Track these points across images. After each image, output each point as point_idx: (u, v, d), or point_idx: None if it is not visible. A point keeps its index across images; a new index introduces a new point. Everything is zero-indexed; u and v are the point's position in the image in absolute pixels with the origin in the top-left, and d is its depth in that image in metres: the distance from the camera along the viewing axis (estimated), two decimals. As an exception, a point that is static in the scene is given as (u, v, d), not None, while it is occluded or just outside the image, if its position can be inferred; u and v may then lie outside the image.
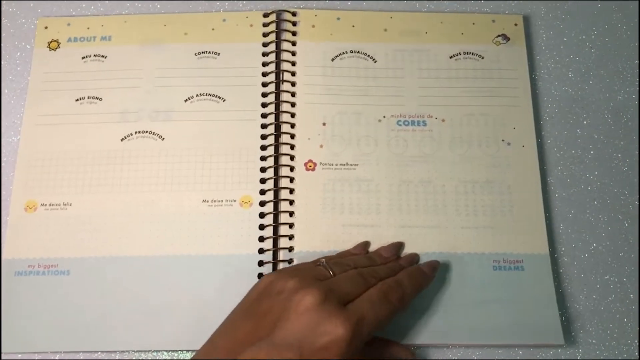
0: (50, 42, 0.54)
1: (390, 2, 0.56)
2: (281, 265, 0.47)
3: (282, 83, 0.52)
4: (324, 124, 0.51)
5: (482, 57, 0.54)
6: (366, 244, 0.48)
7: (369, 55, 0.53)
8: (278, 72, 0.53)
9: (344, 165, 0.50)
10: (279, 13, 0.54)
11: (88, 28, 0.54)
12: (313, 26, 0.54)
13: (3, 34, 0.55)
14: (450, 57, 0.54)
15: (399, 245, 0.48)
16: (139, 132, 0.51)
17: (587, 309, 0.47)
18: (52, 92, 0.52)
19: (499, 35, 0.54)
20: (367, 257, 0.46)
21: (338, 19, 0.55)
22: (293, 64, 0.53)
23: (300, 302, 0.36)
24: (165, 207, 0.49)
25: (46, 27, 0.55)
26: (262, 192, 0.49)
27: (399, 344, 0.44)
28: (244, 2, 0.56)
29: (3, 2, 0.56)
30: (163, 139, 0.51)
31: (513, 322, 0.46)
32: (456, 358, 0.46)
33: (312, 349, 0.35)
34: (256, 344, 0.35)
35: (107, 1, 0.56)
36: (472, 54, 0.54)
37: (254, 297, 0.39)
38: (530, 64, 0.54)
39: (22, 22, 0.55)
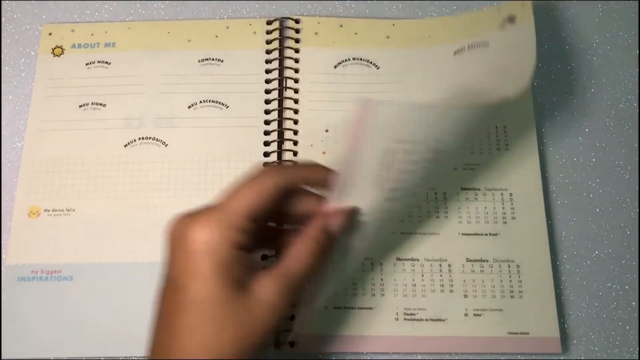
0: (54, 48, 0.54)
1: (393, 9, 0.56)
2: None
3: (286, 90, 0.52)
4: (326, 131, 0.51)
5: (488, 45, 0.51)
6: None
7: (371, 62, 0.54)
8: (281, 79, 0.53)
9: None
10: (282, 20, 0.55)
11: (92, 34, 0.55)
12: (316, 33, 0.55)
13: (7, 40, 0.55)
14: (455, 54, 0.53)
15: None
16: (143, 138, 0.51)
17: (589, 316, 0.48)
18: (55, 98, 0.53)
19: (503, 20, 0.50)
20: None
21: (341, 26, 0.55)
22: (296, 71, 0.53)
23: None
24: (169, 213, 0.48)
25: (50, 34, 0.55)
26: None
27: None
28: (247, 9, 0.56)
29: (8, 9, 0.56)
30: (166, 145, 0.51)
31: (511, 330, 0.46)
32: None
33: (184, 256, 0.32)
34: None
35: (111, 8, 0.56)
36: (477, 45, 0.52)
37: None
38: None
39: (27, 29, 0.56)
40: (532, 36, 0.45)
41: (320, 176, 0.36)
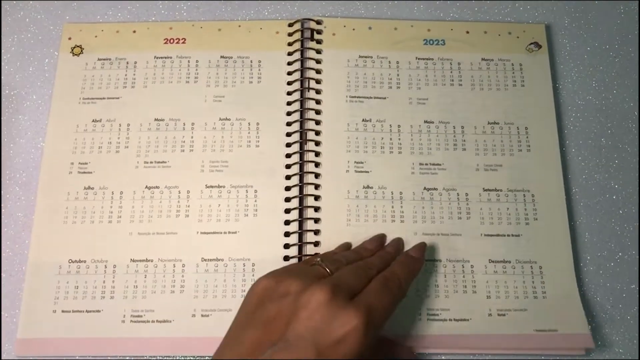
0: (74, 47, 0.55)
1: (415, 10, 0.57)
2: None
3: (308, 91, 0.53)
4: (348, 130, 0.52)
5: (512, 64, 0.54)
6: (347, 244, 0.48)
7: (392, 63, 0.54)
8: (303, 79, 0.53)
9: (368, 172, 0.50)
10: (303, 22, 0.55)
11: (114, 33, 0.55)
12: (334, 34, 0.55)
13: (31, 41, 0.56)
14: (474, 65, 0.54)
15: (382, 237, 0.48)
16: (166, 138, 0.51)
17: (613, 318, 0.47)
18: (75, 98, 0.53)
19: (531, 43, 0.55)
20: (353, 252, 0.46)
21: (370, 28, 0.55)
22: (318, 71, 0.53)
23: (310, 300, 0.36)
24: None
25: (71, 33, 0.55)
26: (287, 199, 0.49)
27: (402, 344, 0.45)
28: (270, 10, 0.56)
29: (31, 9, 0.57)
30: (192, 150, 0.51)
31: (538, 327, 0.46)
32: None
33: (328, 343, 0.34)
34: (269, 350, 0.35)
35: (133, 8, 0.57)
36: (501, 60, 0.54)
37: (255, 304, 0.38)
38: (552, 73, 0.54)
39: (50, 29, 0.56)
40: (547, 69, 0.54)
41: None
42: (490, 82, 0.54)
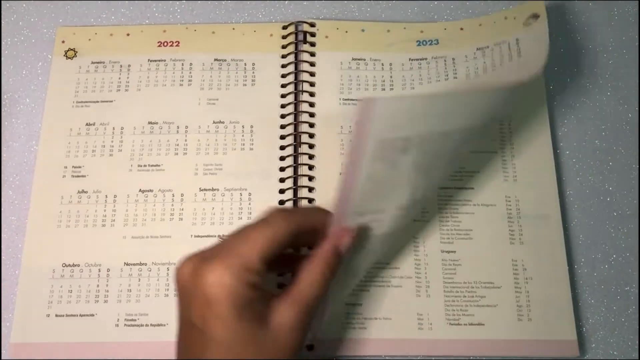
0: (67, 51, 0.54)
1: (409, 12, 0.57)
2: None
3: (302, 93, 0.53)
4: (341, 133, 0.51)
5: (509, 44, 0.52)
6: None
7: (385, 64, 0.54)
8: (297, 82, 0.53)
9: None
10: (297, 24, 0.55)
11: (108, 36, 0.55)
12: (326, 37, 0.54)
13: (25, 44, 0.56)
14: (469, 57, 0.53)
15: None
16: (159, 142, 0.51)
17: (607, 320, 0.47)
18: (69, 101, 0.53)
19: (529, 17, 0.51)
20: None
21: (363, 30, 0.55)
22: (312, 74, 0.53)
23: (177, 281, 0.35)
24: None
25: (64, 37, 0.55)
26: (282, 202, 0.49)
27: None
28: (264, 12, 0.56)
29: (24, 12, 0.57)
30: (185, 153, 0.51)
31: (528, 333, 0.46)
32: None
33: (200, 304, 0.33)
34: None
35: (127, 11, 0.57)
36: (497, 44, 0.52)
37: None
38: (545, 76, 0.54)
39: (44, 32, 0.56)
40: (545, 29, 0.47)
41: (325, 220, 0.38)
42: (486, 68, 0.52)
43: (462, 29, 0.55)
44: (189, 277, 0.34)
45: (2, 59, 0.55)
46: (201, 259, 0.34)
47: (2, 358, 0.46)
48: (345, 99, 0.53)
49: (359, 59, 0.54)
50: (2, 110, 0.53)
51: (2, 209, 0.50)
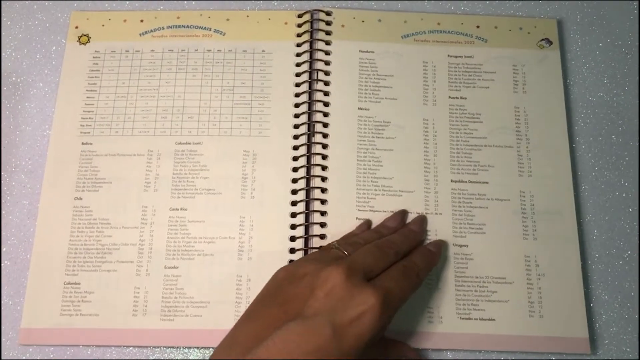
0: (81, 36, 0.54)
1: (426, 4, 0.56)
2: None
3: (317, 82, 0.52)
4: (356, 124, 0.51)
5: (522, 61, 0.53)
6: (368, 222, 0.48)
7: (401, 55, 0.53)
8: (311, 71, 0.52)
9: (378, 165, 0.50)
10: (312, 13, 0.54)
11: (121, 22, 0.55)
12: (343, 26, 0.54)
13: (39, 28, 0.55)
14: (485, 60, 0.53)
15: (403, 213, 0.48)
16: (171, 127, 0.51)
17: (621, 316, 0.47)
18: (82, 86, 0.53)
19: (542, 39, 0.54)
20: (373, 231, 0.46)
21: (379, 20, 0.54)
22: (327, 63, 0.53)
23: (327, 279, 0.36)
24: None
25: (78, 22, 0.55)
26: (294, 192, 0.49)
27: (405, 343, 0.45)
28: (279, 0, 0.56)
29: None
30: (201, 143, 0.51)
31: (541, 330, 0.45)
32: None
33: (344, 321, 0.35)
34: (284, 325, 0.35)
35: (141, -3, 0.56)
36: (511, 57, 0.53)
37: (275, 286, 0.39)
38: (563, 69, 0.53)
39: (58, 17, 0.56)
40: (559, 65, 0.52)
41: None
42: (504, 80, 0.53)
43: (478, 26, 0.54)
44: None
45: (17, 42, 0.55)
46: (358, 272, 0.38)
47: (15, 342, 0.46)
48: (360, 89, 0.52)
49: (374, 49, 0.53)
50: (16, 93, 0.53)
51: (13, 193, 0.50)
